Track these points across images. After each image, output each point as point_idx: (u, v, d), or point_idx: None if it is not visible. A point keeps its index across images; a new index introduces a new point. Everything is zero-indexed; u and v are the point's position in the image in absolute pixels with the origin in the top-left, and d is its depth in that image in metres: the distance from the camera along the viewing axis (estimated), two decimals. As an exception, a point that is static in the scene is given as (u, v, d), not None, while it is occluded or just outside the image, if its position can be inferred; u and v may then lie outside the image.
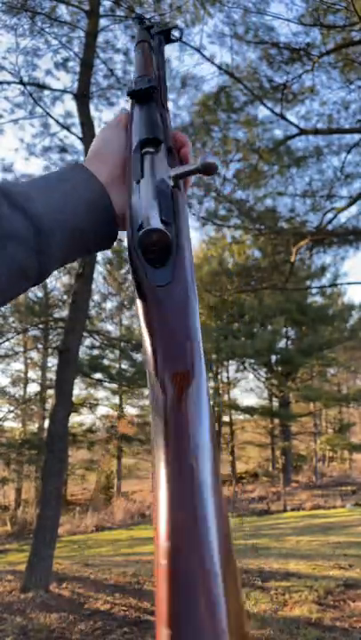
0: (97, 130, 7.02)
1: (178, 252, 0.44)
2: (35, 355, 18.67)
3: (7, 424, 17.95)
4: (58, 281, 16.30)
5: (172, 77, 7.69)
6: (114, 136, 0.61)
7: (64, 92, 7.57)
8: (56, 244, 0.50)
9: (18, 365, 20.36)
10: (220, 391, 22.99)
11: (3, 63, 7.12)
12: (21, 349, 17.11)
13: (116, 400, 19.80)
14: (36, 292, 16.12)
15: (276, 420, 21.33)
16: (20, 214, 0.48)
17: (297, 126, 7.68)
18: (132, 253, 0.44)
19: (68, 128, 7.76)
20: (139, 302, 0.43)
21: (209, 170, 0.46)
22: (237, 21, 6.80)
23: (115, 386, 18.72)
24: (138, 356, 17.00)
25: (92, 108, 7.14)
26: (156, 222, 0.43)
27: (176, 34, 0.73)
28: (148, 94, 0.61)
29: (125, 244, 0.50)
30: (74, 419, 16.87)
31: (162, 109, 0.61)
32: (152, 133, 0.55)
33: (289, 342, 21.10)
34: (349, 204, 8.62)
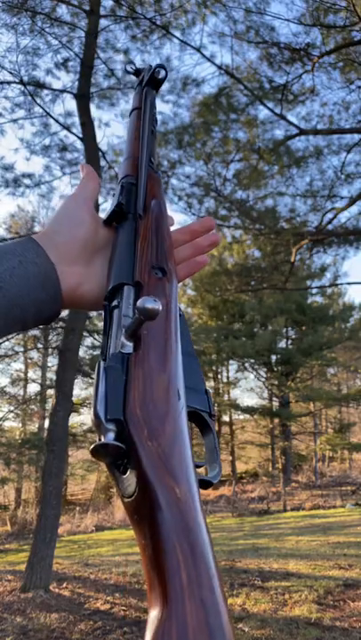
0: (97, 130, 7.03)
1: (132, 462, 0.39)
2: (35, 355, 18.68)
3: (7, 424, 17.94)
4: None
5: (173, 77, 7.69)
6: (73, 209, 0.59)
7: (64, 91, 7.58)
8: None
9: (18, 365, 20.37)
10: (221, 391, 23.00)
11: (3, 62, 7.10)
12: (21, 349, 17.11)
13: (116, 400, 19.77)
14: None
15: (276, 420, 21.32)
16: None
17: (297, 126, 7.68)
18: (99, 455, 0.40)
19: (68, 128, 7.76)
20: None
21: (148, 316, 0.42)
22: (238, 21, 6.81)
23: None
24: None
25: (92, 107, 7.15)
26: (106, 434, 0.39)
27: (160, 74, 0.70)
28: (118, 216, 0.60)
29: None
30: (74, 419, 16.89)
31: (139, 220, 0.59)
32: (120, 278, 0.53)
33: (289, 342, 21.10)
34: (349, 204, 8.63)
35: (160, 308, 0.41)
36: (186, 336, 0.52)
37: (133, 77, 0.76)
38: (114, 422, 0.40)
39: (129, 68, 0.75)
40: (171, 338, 0.48)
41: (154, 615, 0.31)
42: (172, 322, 0.50)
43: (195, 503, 0.37)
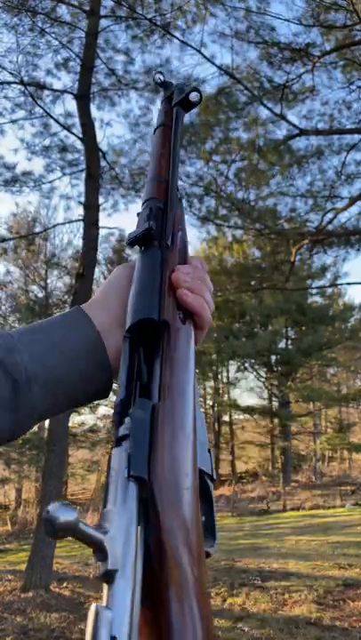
0: (98, 130, 7.03)
1: (151, 526, 0.36)
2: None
3: (7, 424, 17.87)
4: (59, 281, 16.32)
5: (174, 77, 7.70)
6: (123, 278, 0.58)
7: (64, 92, 7.58)
8: (36, 399, 0.48)
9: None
10: (221, 391, 23.01)
11: (3, 62, 7.10)
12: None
13: (117, 400, 19.78)
14: (36, 293, 16.14)
15: (276, 420, 21.34)
16: None
17: (297, 127, 7.68)
18: None
19: (68, 129, 7.76)
20: None
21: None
22: (238, 20, 6.81)
23: (115, 386, 18.70)
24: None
25: (93, 108, 7.15)
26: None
27: (195, 98, 0.64)
28: (145, 240, 0.57)
29: None
30: (74, 419, 16.87)
31: (165, 250, 0.56)
32: (147, 310, 0.49)
33: (289, 342, 21.10)
34: (349, 205, 8.63)
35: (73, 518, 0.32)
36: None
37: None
38: (137, 481, 0.37)
39: (157, 79, 0.72)
40: (192, 389, 0.45)
41: None
42: (192, 372, 0.47)
43: (205, 584, 0.35)
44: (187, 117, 0.70)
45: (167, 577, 0.34)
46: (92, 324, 0.53)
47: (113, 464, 0.39)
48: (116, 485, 0.37)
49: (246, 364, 21.39)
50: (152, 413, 0.41)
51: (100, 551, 0.33)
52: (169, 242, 0.57)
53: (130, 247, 0.58)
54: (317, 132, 7.88)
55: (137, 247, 0.58)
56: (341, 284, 19.91)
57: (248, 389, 24.85)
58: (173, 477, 0.38)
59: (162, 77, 0.72)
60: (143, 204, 0.61)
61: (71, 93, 7.18)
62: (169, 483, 0.37)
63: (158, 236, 0.57)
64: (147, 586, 0.33)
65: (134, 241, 0.57)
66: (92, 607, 0.31)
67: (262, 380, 22.21)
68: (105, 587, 0.33)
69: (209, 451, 0.47)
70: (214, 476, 0.46)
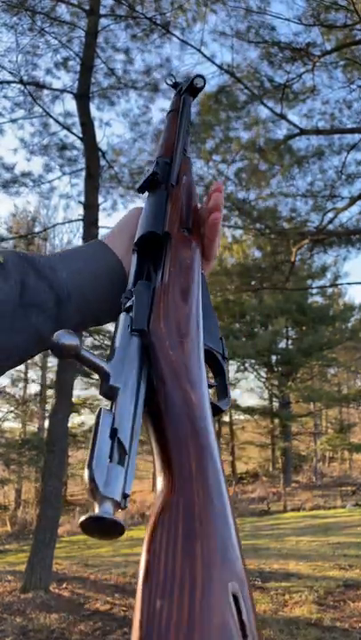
0: (97, 130, 7.03)
1: (153, 367, 0.42)
2: (35, 355, 18.64)
3: (7, 424, 17.95)
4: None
5: (173, 77, 7.67)
6: (134, 216, 0.64)
7: (64, 91, 7.56)
8: (72, 312, 0.56)
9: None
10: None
11: (2, 62, 7.09)
12: (21, 349, 17.04)
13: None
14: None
15: (277, 421, 21.31)
16: (45, 285, 0.53)
17: (297, 126, 7.66)
18: None
19: (68, 128, 7.75)
20: None
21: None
22: (239, 20, 6.80)
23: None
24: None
25: (92, 107, 7.13)
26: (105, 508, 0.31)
27: (199, 83, 0.75)
28: (152, 184, 0.63)
29: None
30: (74, 419, 16.86)
31: (171, 188, 0.62)
32: (151, 227, 0.56)
33: (289, 342, 21.08)
34: (350, 204, 8.61)
35: (76, 343, 0.37)
36: (205, 291, 0.55)
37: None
38: (138, 332, 0.44)
39: (169, 81, 0.82)
40: (193, 282, 0.51)
41: (160, 490, 0.33)
42: (195, 272, 0.53)
43: (207, 411, 0.38)
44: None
45: (166, 406, 0.38)
46: (111, 250, 0.61)
47: (118, 325, 0.45)
48: (120, 339, 0.43)
49: (246, 364, 21.36)
50: (153, 290, 0.49)
51: (103, 373, 0.39)
52: (174, 182, 0.63)
53: (140, 194, 0.64)
54: (318, 132, 7.86)
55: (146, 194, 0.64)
56: (342, 284, 19.91)
57: (248, 390, 24.87)
58: (170, 328, 0.44)
59: (173, 79, 0.82)
60: (153, 162, 0.68)
61: (71, 93, 7.17)
62: (166, 332, 0.44)
63: (164, 180, 0.63)
64: (153, 419, 0.39)
65: (142, 187, 0.64)
66: (98, 409, 0.36)
67: (262, 380, 22.19)
68: (109, 403, 0.38)
69: (221, 338, 0.53)
70: (226, 355, 0.53)
